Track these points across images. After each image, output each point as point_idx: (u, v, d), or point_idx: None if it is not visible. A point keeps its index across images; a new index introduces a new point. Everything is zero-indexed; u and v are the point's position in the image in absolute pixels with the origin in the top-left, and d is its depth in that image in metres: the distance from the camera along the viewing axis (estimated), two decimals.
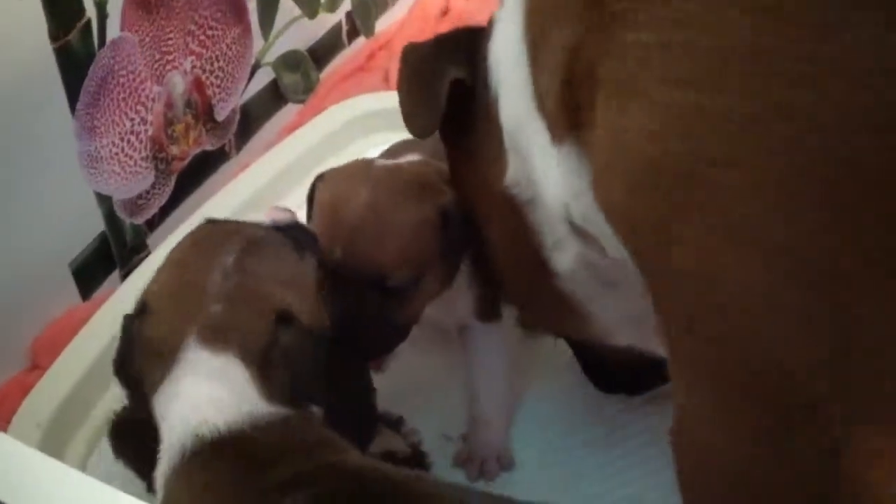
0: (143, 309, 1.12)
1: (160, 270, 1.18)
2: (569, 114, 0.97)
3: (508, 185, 1.15)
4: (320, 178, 1.38)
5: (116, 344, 1.33)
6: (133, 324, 1.12)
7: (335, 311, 1.25)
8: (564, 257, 1.16)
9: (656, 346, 1.07)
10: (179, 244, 1.20)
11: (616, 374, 1.46)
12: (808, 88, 0.71)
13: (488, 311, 1.46)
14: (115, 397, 1.35)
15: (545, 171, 1.05)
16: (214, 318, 1.07)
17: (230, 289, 1.09)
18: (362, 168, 1.37)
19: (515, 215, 1.16)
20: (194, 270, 1.13)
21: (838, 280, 0.74)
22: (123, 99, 1.60)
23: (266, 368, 1.07)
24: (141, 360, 1.10)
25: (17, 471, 0.86)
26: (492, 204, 1.21)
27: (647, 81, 0.82)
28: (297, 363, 1.09)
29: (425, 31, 2.66)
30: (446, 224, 1.31)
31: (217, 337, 1.06)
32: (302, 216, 1.82)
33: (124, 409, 1.34)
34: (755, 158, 0.75)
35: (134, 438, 1.29)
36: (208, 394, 1.04)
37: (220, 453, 1.03)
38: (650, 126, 0.82)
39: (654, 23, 0.81)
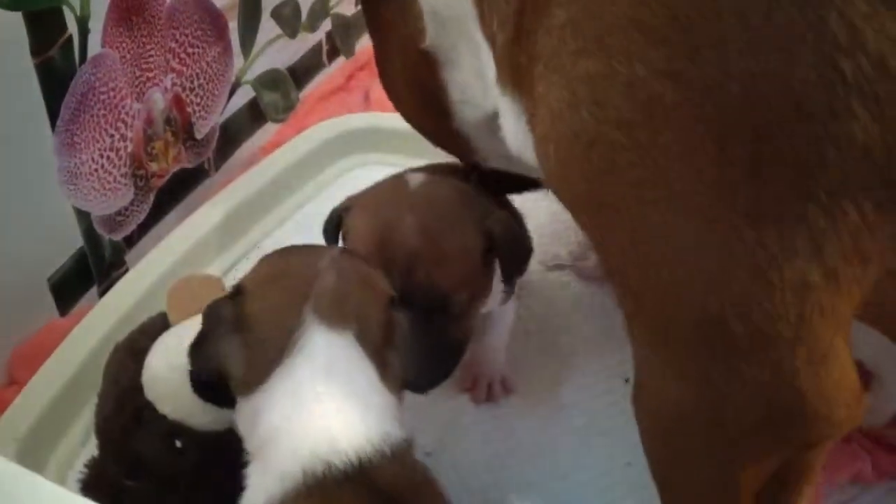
0: (239, 292, 1.06)
1: (256, 270, 1.13)
2: (512, 71, 1.06)
3: (428, 47, 1.25)
4: (346, 208, 1.36)
5: (95, 359, 1.35)
6: (225, 308, 1.05)
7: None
8: (469, 114, 1.30)
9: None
10: (264, 262, 1.15)
11: None
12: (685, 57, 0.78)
13: (507, 298, 1.51)
14: (87, 417, 1.36)
15: (481, 76, 1.18)
16: (330, 290, 1.04)
17: (341, 269, 1.07)
18: (398, 191, 1.36)
19: (428, 67, 1.29)
20: (298, 261, 1.11)
21: (741, 217, 0.79)
22: (104, 115, 1.60)
23: (385, 355, 1.05)
24: (232, 350, 1.03)
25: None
26: (406, 53, 1.31)
27: (565, 55, 0.89)
28: (414, 349, 1.09)
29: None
30: (493, 242, 1.33)
31: (334, 312, 1.02)
32: (280, 238, 1.84)
33: (93, 461, 1.34)
34: (651, 118, 0.82)
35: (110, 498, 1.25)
36: (338, 408, 0.99)
37: (351, 487, 0.97)
38: (568, 97, 0.89)
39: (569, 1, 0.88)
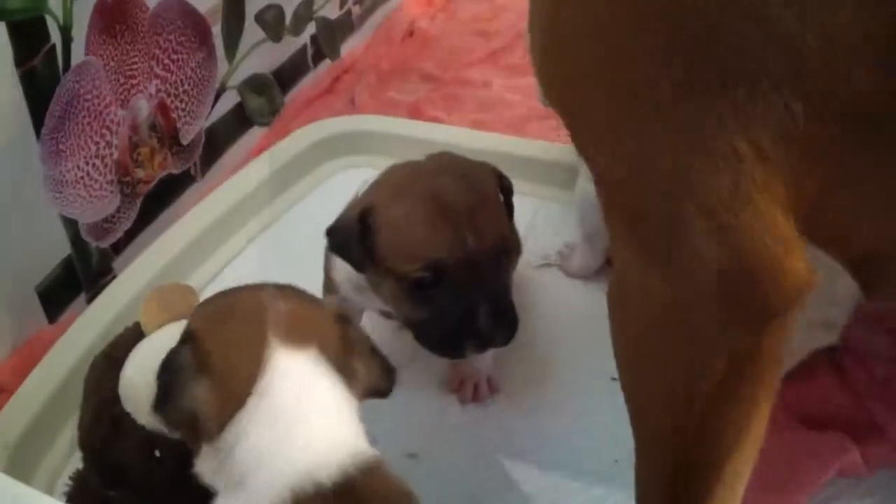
0: (190, 337, 1.06)
1: (199, 315, 1.11)
2: None
3: None
4: (367, 210, 1.36)
5: (82, 367, 1.35)
6: (181, 355, 1.04)
7: (496, 299, 1.34)
8: None
9: None
10: (205, 306, 1.14)
11: None
12: None
13: None
14: (75, 427, 1.36)
15: None
16: (284, 315, 1.05)
17: (285, 296, 1.08)
18: (415, 171, 1.42)
19: None
20: (242, 296, 1.11)
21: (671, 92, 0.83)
22: (88, 123, 1.61)
23: (349, 364, 1.06)
24: (201, 392, 1.01)
25: None
26: None
27: None
28: (375, 350, 1.12)
29: (390, 54, 2.69)
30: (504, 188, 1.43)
31: (294, 334, 1.03)
32: (267, 241, 1.84)
33: (77, 474, 1.35)
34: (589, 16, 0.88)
35: None
36: (318, 425, 1.00)
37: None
38: None
39: None
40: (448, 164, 1.41)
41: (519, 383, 1.65)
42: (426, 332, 1.37)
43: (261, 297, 1.07)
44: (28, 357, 1.59)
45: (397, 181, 1.40)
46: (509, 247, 1.37)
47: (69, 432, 1.48)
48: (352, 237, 1.36)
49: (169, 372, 1.02)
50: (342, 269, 1.46)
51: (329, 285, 1.53)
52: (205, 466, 1.03)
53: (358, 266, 1.38)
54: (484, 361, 1.60)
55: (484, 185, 1.38)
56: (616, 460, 1.51)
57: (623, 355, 1.11)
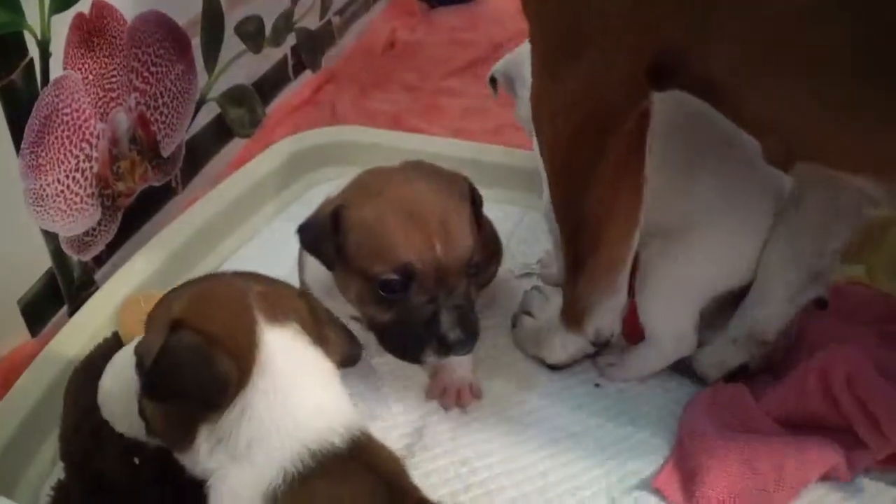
0: (179, 325, 1.06)
1: (182, 302, 1.11)
2: None
3: None
4: (341, 207, 1.38)
5: (64, 379, 1.36)
6: (187, 337, 1.04)
7: (460, 311, 1.35)
8: None
9: None
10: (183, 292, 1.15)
11: None
12: None
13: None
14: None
15: None
16: (263, 295, 1.09)
17: (256, 279, 1.14)
18: (386, 175, 1.43)
19: None
20: (217, 282, 1.16)
21: None
22: (68, 137, 1.61)
23: (324, 333, 1.12)
24: (224, 363, 1.03)
25: None
26: None
27: None
28: (338, 320, 1.19)
29: (371, 65, 2.69)
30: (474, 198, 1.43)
31: (275, 311, 1.08)
32: (250, 252, 1.84)
33: (59, 484, 1.35)
34: None
35: None
36: (319, 390, 1.07)
37: (354, 465, 1.05)
38: None
39: None
40: (422, 172, 1.42)
41: (502, 390, 1.65)
42: (389, 336, 1.38)
43: (233, 281, 1.13)
44: (10, 371, 1.58)
45: (371, 183, 1.41)
46: (475, 258, 1.38)
47: (51, 444, 1.48)
48: (323, 234, 1.37)
49: (175, 354, 1.03)
50: (313, 273, 1.48)
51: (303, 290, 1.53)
52: (202, 449, 1.05)
53: (328, 263, 1.39)
54: (464, 367, 1.61)
55: (456, 195, 1.39)
56: (599, 464, 1.52)
57: (547, 147, 1.44)
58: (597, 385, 1.69)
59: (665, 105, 1.43)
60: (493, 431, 1.57)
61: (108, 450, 1.23)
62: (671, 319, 1.63)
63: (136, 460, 1.23)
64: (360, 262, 1.35)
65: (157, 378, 1.03)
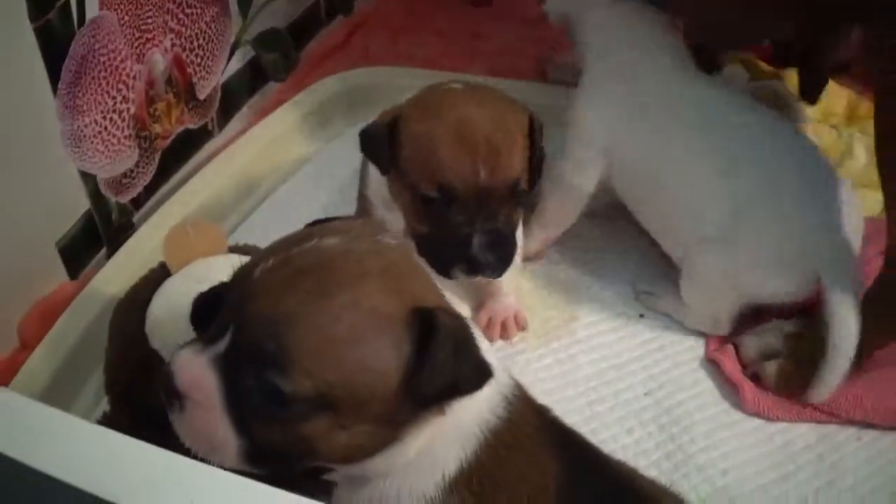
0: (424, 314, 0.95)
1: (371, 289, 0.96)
2: None
3: None
4: (395, 119, 1.42)
5: (103, 321, 1.36)
6: (442, 331, 0.93)
7: (489, 232, 1.38)
8: None
9: None
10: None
11: None
12: None
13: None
14: (100, 376, 1.37)
15: None
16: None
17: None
18: (449, 93, 1.45)
19: None
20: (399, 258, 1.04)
21: None
22: (104, 77, 1.61)
23: None
24: (468, 361, 0.95)
25: (24, 423, 0.86)
26: None
27: None
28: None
29: (404, 8, 2.67)
30: (532, 127, 1.43)
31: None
32: (285, 194, 1.84)
33: (104, 417, 1.36)
34: None
35: None
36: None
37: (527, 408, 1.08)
38: None
39: None
40: (483, 95, 1.43)
41: (547, 320, 1.67)
42: (426, 247, 1.41)
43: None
44: (49, 313, 1.59)
45: (430, 99, 1.43)
46: (521, 186, 1.40)
47: (93, 384, 1.50)
48: (380, 141, 1.41)
49: (449, 345, 0.93)
50: (374, 187, 1.53)
51: (363, 205, 1.59)
52: (378, 461, 0.99)
53: (382, 168, 1.43)
54: (509, 297, 1.63)
55: (509, 122, 1.39)
56: (646, 393, 1.57)
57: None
58: (641, 315, 1.71)
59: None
60: (539, 363, 1.59)
61: (155, 382, 1.21)
62: (710, 308, 1.65)
63: None
64: (409, 174, 1.39)
65: (438, 373, 0.93)
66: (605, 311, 1.73)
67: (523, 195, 1.43)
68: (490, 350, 1.05)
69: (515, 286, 1.67)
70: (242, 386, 0.93)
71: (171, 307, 1.24)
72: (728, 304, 1.62)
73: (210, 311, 1.11)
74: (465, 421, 1.01)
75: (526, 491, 1.03)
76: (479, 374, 0.95)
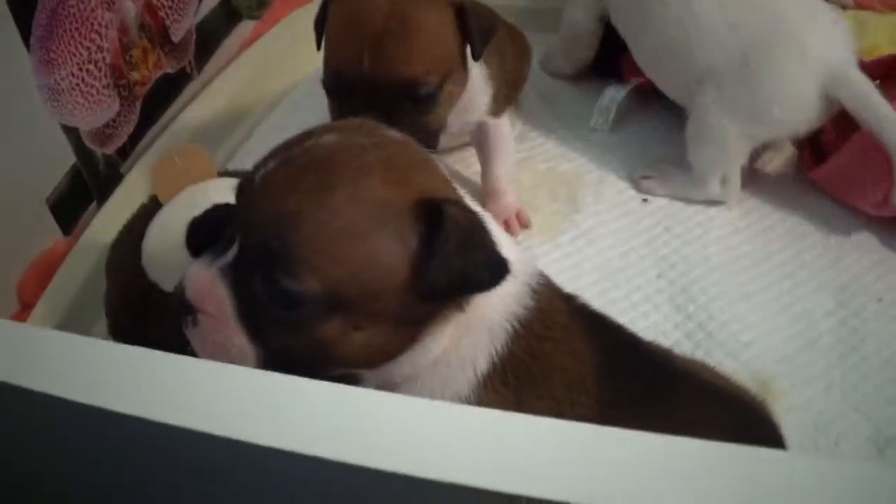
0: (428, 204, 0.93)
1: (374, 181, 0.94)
2: None
3: None
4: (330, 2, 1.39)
5: (99, 274, 1.35)
6: (449, 220, 0.91)
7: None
8: None
9: None
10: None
11: None
12: None
13: (498, 108, 1.57)
14: (104, 324, 1.37)
15: None
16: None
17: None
18: None
19: None
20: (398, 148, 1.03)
21: None
22: (76, 28, 1.58)
23: None
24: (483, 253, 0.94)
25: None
26: None
27: None
28: None
29: None
30: (463, 20, 1.36)
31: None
32: (272, 125, 1.83)
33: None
34: None
35: None
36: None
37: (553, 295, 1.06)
38: None
39: None
40: None
41: (549, 215, 1.67)
42: None
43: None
44: (46, 271, 1.59)
45: None
46: (423, 85, 1.35)
47: (97, 334, 1.48)
48: (317, 19, 1.42)
49: (460, 233, 0.91)
50: None
51: None
52: (403, 363, 0.98)
53: (318, 45, 1.43)
54: (508, 194, 1.63)
55: (414, 13, 1.34)
56: (658, 275, 1.59)
57: None
58: (644, 200, 1.72)
59: None
60: (546, 259, 1.59)
61: (161, 313, 1.21)
62: (719, 162, 1.66)
63: None
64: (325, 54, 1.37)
65: (446, 266, 0.91)
66: (608, 201, 1.74)
67: (429, 100, 1.38)
68: (512, 243, 1.04)
69: (514, 184, 1.67)
70: (253, 292, 0.92)
71: (165, 237, 1.22)
72: (739, 152, 1.64)
73: (205, 235, 1.11)
74: (490, 315, 0.99)
75: (563, 380, 1.03)
76: (494, 269, 0.93)
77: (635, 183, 1.78)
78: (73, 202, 1.68)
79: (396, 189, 0.92)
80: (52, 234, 1.63)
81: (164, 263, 1.21)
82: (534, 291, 1.02)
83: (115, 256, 1.33)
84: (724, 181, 1.69)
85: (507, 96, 1.67)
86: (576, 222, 1.69)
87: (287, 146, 0.96)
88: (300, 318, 0.91)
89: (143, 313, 1.23)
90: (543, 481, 0.60)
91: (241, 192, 0.97)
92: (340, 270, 0.89)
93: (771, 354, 1.49)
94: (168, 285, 1.20)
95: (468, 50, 1.42)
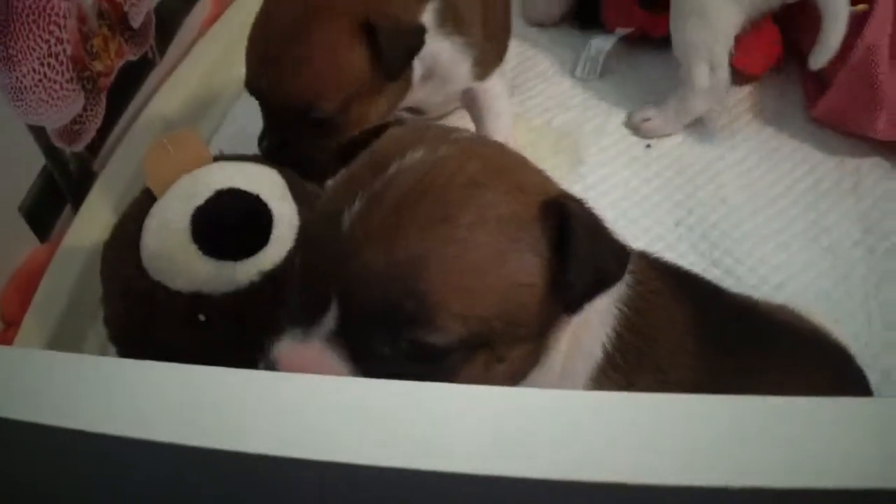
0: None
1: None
2: None
3: None
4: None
5: (87, 277, 1.31)
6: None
7: (270, 143, 1.31)
8: None
9: None
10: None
11: None
12: None
13: (485, 70, 1.52)
14: (99, 332, 1.33)
15: None
16: None
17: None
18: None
19: None
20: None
21: None
22: (34, 21, 1.52)
23: None
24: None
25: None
26: None
27: None
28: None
29: None
30: (373, 38, 1.27)
31: None
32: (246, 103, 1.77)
33: None
34: None
35: None
36: None
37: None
38: None
39: None
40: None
41: (556, 169, 1.64)
42: None
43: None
44: (27, 283, 1.52)
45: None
46: (307, 108, 1.28)
47: (92, 341, 1.45)
48: None
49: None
50: None
51: None
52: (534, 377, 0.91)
53: None
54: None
55: (316, 36, 1.27)
56: (676, 223, 1.58)
57: None
58: (648, 146, 1.73)
59: None
60: None
61: (168, 313, 1.15)
62: (705, 42, 1.64)
63: (202, 316, 1.14)
64: None
65: (583, 268, 0.83)
66: (611, 149, 1.72)
67: (328, 124, 1.31)
68: None
69: (509, 134, 1.63)
70: (379, 355, 0.80)
71: (166, 233, 1.17)
72: (725, 27, 1.64)
73: (212, 225, 1.12)
74: (600, 304, 0.91)
75: (665, 347, 0.97)
76: (621, 257, 0.85)
77: (636, 129, 1.76)
78: (48, 207, 1.62)
79: (517, 197, 0.82)
80: (28, 243, 1.56)
81: (168, 260, 1.16)
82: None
83: (109, 260, 1.26)
84: (712, 69, 1.67)
85: (496, 55, 1.60)
86: (582, 175, 1.66)
87: (362, 179, 0.83)
88: (441, 368, 0.81)
89: (149, 316, 1.18)
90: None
91: (317, 243, 0.84)
92: (485, 306, 0.80)
93: (807, 292, 1.46)
94: (174, 281, 1.15)
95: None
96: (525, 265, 0.81)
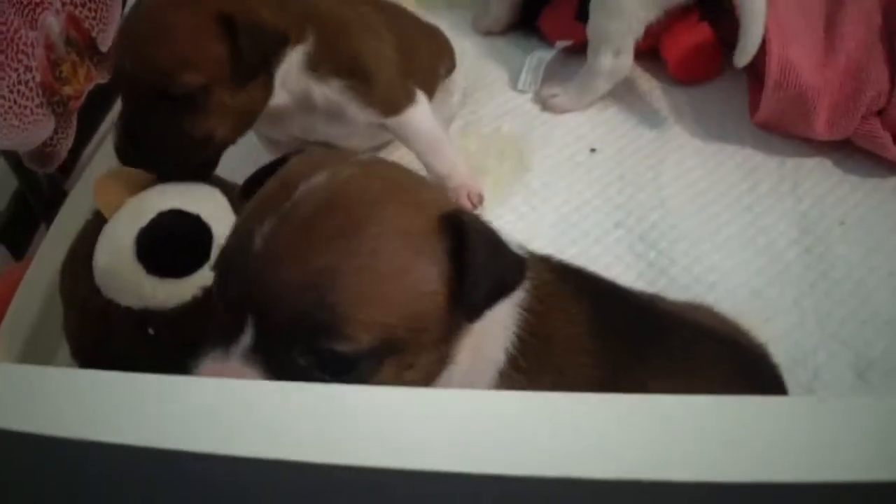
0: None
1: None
2: None
3: None
4: None
5: (55, 293, 1.33)
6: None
7: (126, 124, 1.32)
8: None
9: None
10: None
11: None
12: None
13: (388, 109, 1.52)
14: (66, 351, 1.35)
15: None
16: None
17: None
18: None
19: None
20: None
21: None
22: (2, 52, 1.56)
23: None
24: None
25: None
26: None
27: None
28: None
29: None
30: (232, 31, 1.31)
31: None
32: None
33: None
34: None
35: None
36: None
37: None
38: None
39: None
40: None
41: (501, 182, 1.69)
42: None
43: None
44: (2, 301, 1.56)
45: None
46: (165, 79, 1.30)
47: (61, 358, 1.47)
48: None
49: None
50: None
51: None
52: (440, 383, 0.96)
53: None
54: (457, 173, 1.60)
55: (176, 16, 1.31)
56: (615, 224, 1.61)
57: None
58: (592, 150, 1.75)
59: None
60: (500, 221, 1.56)
61: (119, 330, 1.20)
62: (617, 37, 1.73)
63: (151, 330, 1.19)
64: None
65: (482, 278, 0.87)
66: (556, 155, 1.75)
67: (188, 102, 1.33)
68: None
69: (458, 164, 1.63)
70: (292, 367, 0.84)
71: (115, 252, 1.21)
72: (640, 20, 1.71)
73: (156, 245, 1.16)
74: (499, 309, 0.94)
75: (564, 347, 1.01)
76: (517, 265, 0.91)
77: (544, 104, 1.86)
78: (22, 226, 1.67)
79: (416, 212, 0.88)
80: (3, 261, 1.61)
81: (118, 279, 1.20)
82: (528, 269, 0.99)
83: (66, 279, 1.31)
84: (616, 53, 1.75)
85: (408, 93, 1.57)
86: (526, 182, 1.69)
87: (271, 201, 0.88)
88: (354, 376, 0.85)
89: (106, 331, 1.22)
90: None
91: (231, 262, 0.89)
92: (392, 315, 0.84)
93: (739, 291, 1.49)
94: (125, 298, 1.20)
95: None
96: (427, 275, 0.86)
